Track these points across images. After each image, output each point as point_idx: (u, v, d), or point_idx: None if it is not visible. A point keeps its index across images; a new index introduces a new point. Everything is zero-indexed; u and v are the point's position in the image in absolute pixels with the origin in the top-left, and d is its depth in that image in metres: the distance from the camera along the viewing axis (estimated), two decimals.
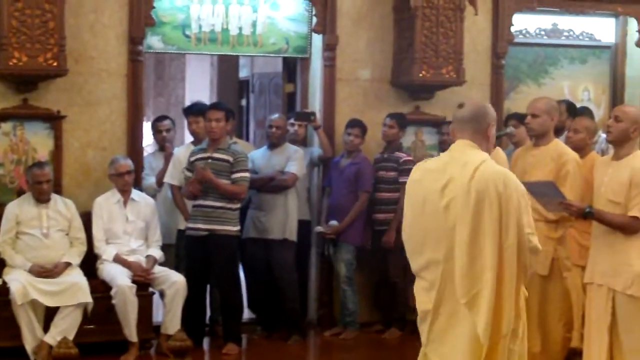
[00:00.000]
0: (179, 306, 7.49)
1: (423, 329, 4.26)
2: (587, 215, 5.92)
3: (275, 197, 8.19)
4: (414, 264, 4.30)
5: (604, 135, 7.45)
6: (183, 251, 8.02)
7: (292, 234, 8.21)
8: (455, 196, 4.05)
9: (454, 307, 4.11)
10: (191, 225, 7.72)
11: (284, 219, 8.16)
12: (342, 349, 8.12)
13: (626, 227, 5.71)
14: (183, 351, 3.21)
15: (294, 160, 8.22)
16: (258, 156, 8.39)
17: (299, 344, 8.09)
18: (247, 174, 7.75)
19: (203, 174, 7.50)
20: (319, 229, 8.51)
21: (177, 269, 7.90)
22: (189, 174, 7.74)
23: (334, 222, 8.37)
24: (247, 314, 8.70)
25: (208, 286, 7.99)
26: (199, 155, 7.74)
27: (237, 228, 7.78)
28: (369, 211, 8.56)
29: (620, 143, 5.88)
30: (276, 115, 8.53)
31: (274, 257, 8.18)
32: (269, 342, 8.19)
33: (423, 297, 4.25)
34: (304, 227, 8.50)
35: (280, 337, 8.20)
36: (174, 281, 7.51)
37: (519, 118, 7.96)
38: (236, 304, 7.87)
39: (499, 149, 6.68)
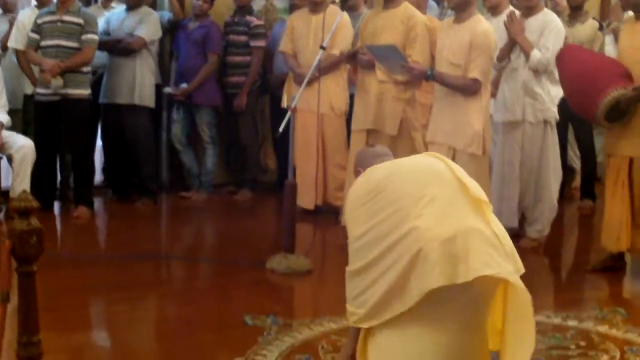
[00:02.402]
0: (27, 170, 7.27)
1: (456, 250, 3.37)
2: (428, 77, 6.02)
3: (123, 61, 7.99)
4: (425, 210, 3.44)
5: None
6: (31, 116, 7.80)
7: (142, 99, 8.05)
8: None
9: (469, 215, 3.49)
10: (41, 90, 7.47)
11: (132, 82, 7.98)
12: (193, 211, 8.11)
13: (466, 89, 5.83)
14: (28, 211, 3.10)
15: (145, 24, 8.00)
16: (114, 18, 8.17)
17: (150, 207, 8.04)
18: (95, 36, 7.51)
19: (52, 70, 7.27)
20: (168, 90, 8.39)
21: (25, 133, 7.66)
22: (35, 36, 7.46)
23: (183, 85, 8.27)
24: (98, 178, 8.59)
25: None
26: (47, 18, 7.44)
27: (89, 92, 7.57)
28: (220, 75, 8.47)
29: (461, 7, 5.94)
30: None
31: (126, 122, 8.03)
32: (120, 205, 8.11)
33: (441, 226, 3.41)
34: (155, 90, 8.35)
35: (132, 200, 8.13)
36: (21, 145, 7.27)
37: None
38: (87, 168, 7.72)
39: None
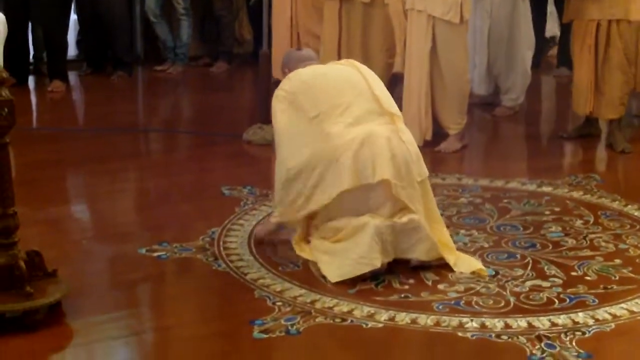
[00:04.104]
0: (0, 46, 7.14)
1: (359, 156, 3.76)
2: None
3: None
4: (339, 118, 3.87)
5: None
6: None
7: None
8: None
9: (380, 124, 3.88)
10: None
11: None
12: (169, 83, 8.02)
13: None
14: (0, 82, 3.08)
15: None
16: None
17: (125, 80, 7.94)
18: None
19: None
20: None
21: None
22: None
23: None
24: (72, 52, 8.46)
25: (30, 24, 7.67)
26: None
27: None
28: None
29: None
30: None
31: None
32: (95, 79, 8.00)
33: (354, 134, 3.80)
34: None
35: (107, 74, 8.02)
36: None
37: None
38: (60, 41, 7.57)
39: None
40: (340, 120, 3.82)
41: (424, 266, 3.77)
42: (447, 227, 4.22)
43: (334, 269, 3.69)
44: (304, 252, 3.91)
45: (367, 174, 3.72)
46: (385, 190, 3.75)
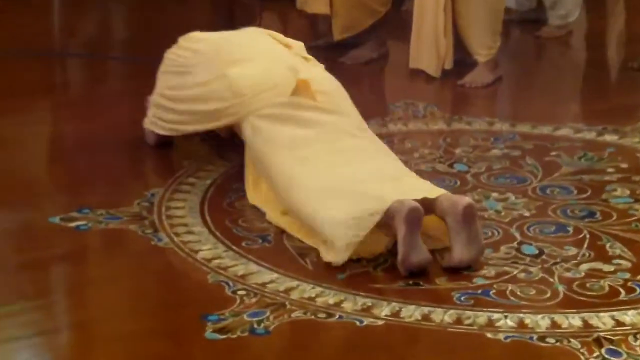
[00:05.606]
0: None
1: None
2: None
3: None
4: None
5: None
6: None
7: None
8: None
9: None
10: None
11: None
12: None
13: None
14: None
15: None
16: None
17: None
18: None
19: None
20: None
21: None
22: None
23: None
24: None
25: None
26: None
27: None
28: None
29: None
30: None
31: None
32: None
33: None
34: None
35: None
36: None
37: None
38: None
39: None
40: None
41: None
42: (475, 188, 4.21)
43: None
44: (283, 222, 3.89)
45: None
46: None
